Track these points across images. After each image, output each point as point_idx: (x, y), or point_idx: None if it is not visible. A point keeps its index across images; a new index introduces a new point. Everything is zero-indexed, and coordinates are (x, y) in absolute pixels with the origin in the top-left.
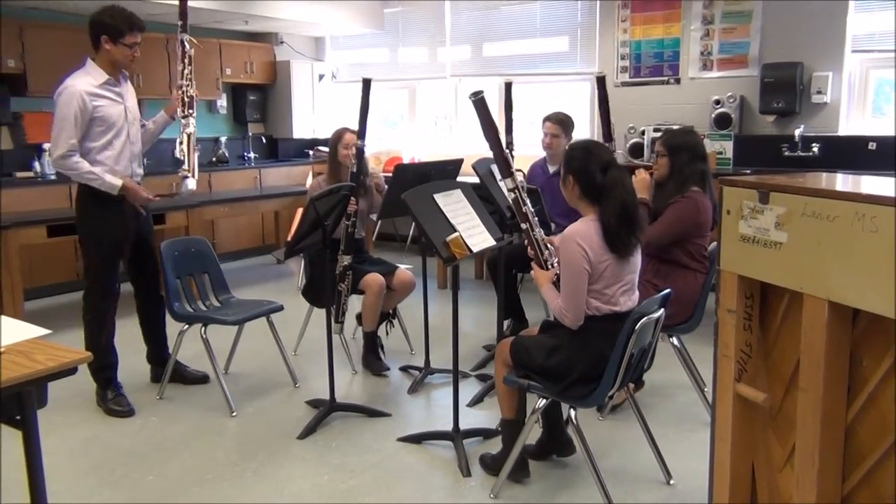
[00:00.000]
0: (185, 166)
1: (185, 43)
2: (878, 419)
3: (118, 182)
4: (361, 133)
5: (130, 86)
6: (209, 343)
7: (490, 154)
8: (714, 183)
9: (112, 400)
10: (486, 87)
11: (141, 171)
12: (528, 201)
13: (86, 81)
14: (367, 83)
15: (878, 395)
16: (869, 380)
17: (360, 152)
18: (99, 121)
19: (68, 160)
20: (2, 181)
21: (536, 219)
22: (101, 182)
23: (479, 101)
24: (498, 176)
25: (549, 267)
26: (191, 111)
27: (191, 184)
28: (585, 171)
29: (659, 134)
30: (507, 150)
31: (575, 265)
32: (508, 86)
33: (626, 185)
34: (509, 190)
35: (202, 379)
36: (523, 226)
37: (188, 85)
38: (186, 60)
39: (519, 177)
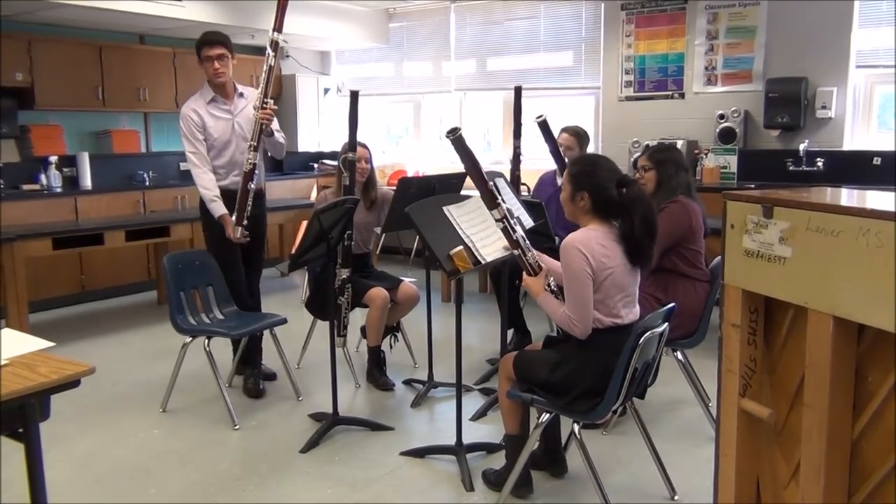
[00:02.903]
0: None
1: (271, 47)
2: (884, 435)
3: (219, 212)
4: (352, 145)
5: (246, 100)
6: (212, 356)
7: (494, 167)
8: (718, 197)
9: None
10: (490, 101)
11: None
12: (517, 228)
13: (196, 101)
14: (354, 95)
15: (884, 410)
16: (875, 395)
17: (352, 164)
18: (206, 135)
19: (192, 170)
20: (3, 195)
21: (528, 241)
22: (208, 202)
23: (457, 140)
24: (504, 191)
25: (538, 270)
26: (253, 143)
27: (237, 232)
28: (601, 187)
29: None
30: (516, 154)
31: (577, 271)
32: (518, 90)
33: (648, 198)
34: (496, 220)
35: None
36: (515, 252)
37: (265, 104)
38: (267, 71)
39: (511, 203)
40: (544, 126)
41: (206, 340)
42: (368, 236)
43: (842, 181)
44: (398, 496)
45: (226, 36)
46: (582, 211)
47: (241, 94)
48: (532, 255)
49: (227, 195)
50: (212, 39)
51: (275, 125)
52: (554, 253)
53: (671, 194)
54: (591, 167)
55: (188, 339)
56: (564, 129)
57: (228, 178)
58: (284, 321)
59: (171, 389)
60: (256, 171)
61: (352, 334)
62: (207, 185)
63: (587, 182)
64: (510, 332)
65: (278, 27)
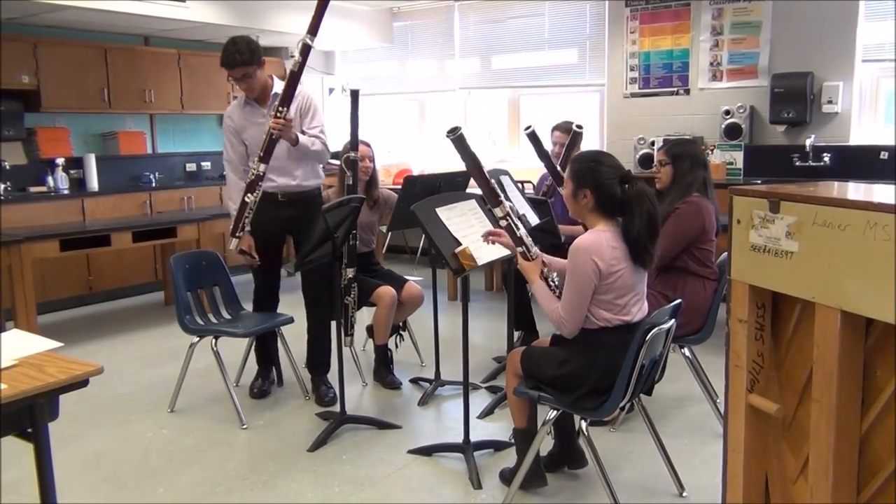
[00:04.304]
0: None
1: (300, 51)
2: (892, 429)
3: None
4: (353, 144)
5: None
6: (220, 356)
7: (499, 165)
8: (724, 193)
9: (320, 389)
10: (494, 100)
11: (287, 181)
12: (520, 226)
13: (235, 106)
14: (354, 95)
15: (893, 405)
16: (883, 390)
17: (354, 163)
18: (243, 139)
19: (227, 176)
20: (11, 197)
21: (530, 239)
22: (230, 212)
23: (457, 139)
24: (509, 189)
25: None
26: (260, 153)
27: (231, 244)
28: (603, 185)
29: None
30: (554, 189)
31: (583, 278)
32: (576, 135)
33: (651, 195)
34: (499, 218)
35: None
36: (519, 249)
37: (279, 112)
38: (289, 77)
39: (516, 201)
40: (533, 137)
41: (214, 340)
42: (371, 235)
43: (848, 176)
44: (406, 494)
45: (244, 53)
46: (586, 209)
47: (276, 97)
48: (535, 252)
49: (269, 198)
50: (229, 63)
51: (315, 130)
52: (558, 250)
53: (686, 191)
54: (593, 164)
55: (195, 339)
56: (556, 128)
57: (274, 181)
58: (291, 320)
59: (178, 389)
60: (261, 183)
61: (358, 333)
62: (231, 196)
63: (589, 179)
64: (517, 331)
65: (313, 29)
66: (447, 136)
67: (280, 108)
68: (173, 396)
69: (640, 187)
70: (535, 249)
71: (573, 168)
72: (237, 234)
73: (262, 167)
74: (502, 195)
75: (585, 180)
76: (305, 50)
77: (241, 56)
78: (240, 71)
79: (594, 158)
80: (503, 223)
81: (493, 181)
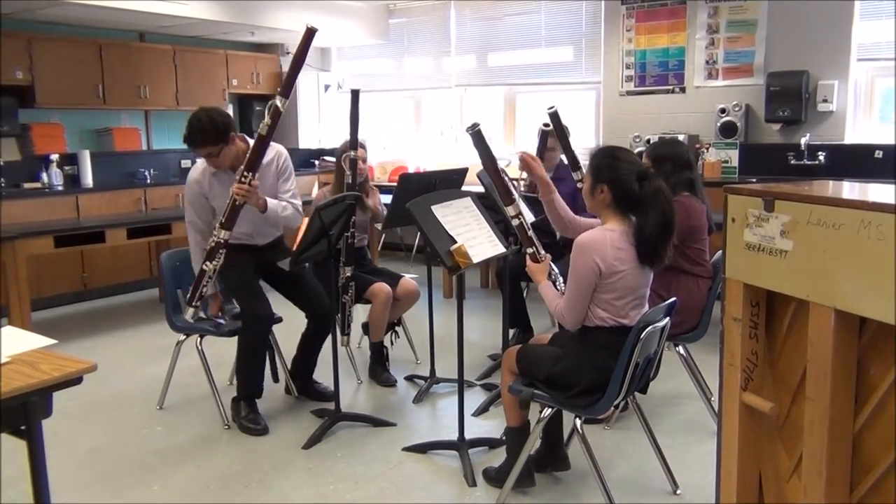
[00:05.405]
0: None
1: (269, 113)
2: (886, 428)
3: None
4: (353, 144)
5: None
6: (204, 355)
7: None
8: (719, 191)
9: (245, 417)
10: (490, 97)
11: (265, 239)
12: (531, 226)
13: (201, 168)
14: (355, 94)
15: (886, 403)
16: (877, 388)
17: (353, 162)
18: (214, 206)
19: (190, 237)
20: (5, 193)
21: (539, 241)
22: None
23: (476, 134)
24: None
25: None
26: (222, 220)
27: (187, 313)
28: (620, 180)
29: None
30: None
31: (584, 275)
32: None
33: (668, 194)
34: (511, 217)
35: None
36: (529, 250)
37: (244, 177)
38: (257, 140)
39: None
40: (556, 117)
41: (199, 339)
42: (363, 233)
43: (843, 175)
44: (400, 492)
45: (209, 132)
46: (602, 204)
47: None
48: (543, 255)
49: (248, 248)
50: (192, 142)
51: (287, 194)
52: (552, 249)
53: (671, 192)
54: (610, 160)
55: (182, 338)
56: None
57: (253, 239)
58: (280, 320)
59: (167, 387)
60: (222, 251)
61: (353, 330)
62: (197, 259)
63: (607, 175)
64: (512, 328)
65: (284, 92)
66: (466, 131)
67: (245, 174)
68: (162, 394)
69: (657, 185)
70: (543, 252)
71: (592, 163)
72: (194, 304)
73: (223, 234)
74: (516, 193)
75: (603, 175)
76: (276, 113)
77: (205, 136)
78: (204, 150)
79: (612, 154)
80: (515, 222)
81: (507, 179)
